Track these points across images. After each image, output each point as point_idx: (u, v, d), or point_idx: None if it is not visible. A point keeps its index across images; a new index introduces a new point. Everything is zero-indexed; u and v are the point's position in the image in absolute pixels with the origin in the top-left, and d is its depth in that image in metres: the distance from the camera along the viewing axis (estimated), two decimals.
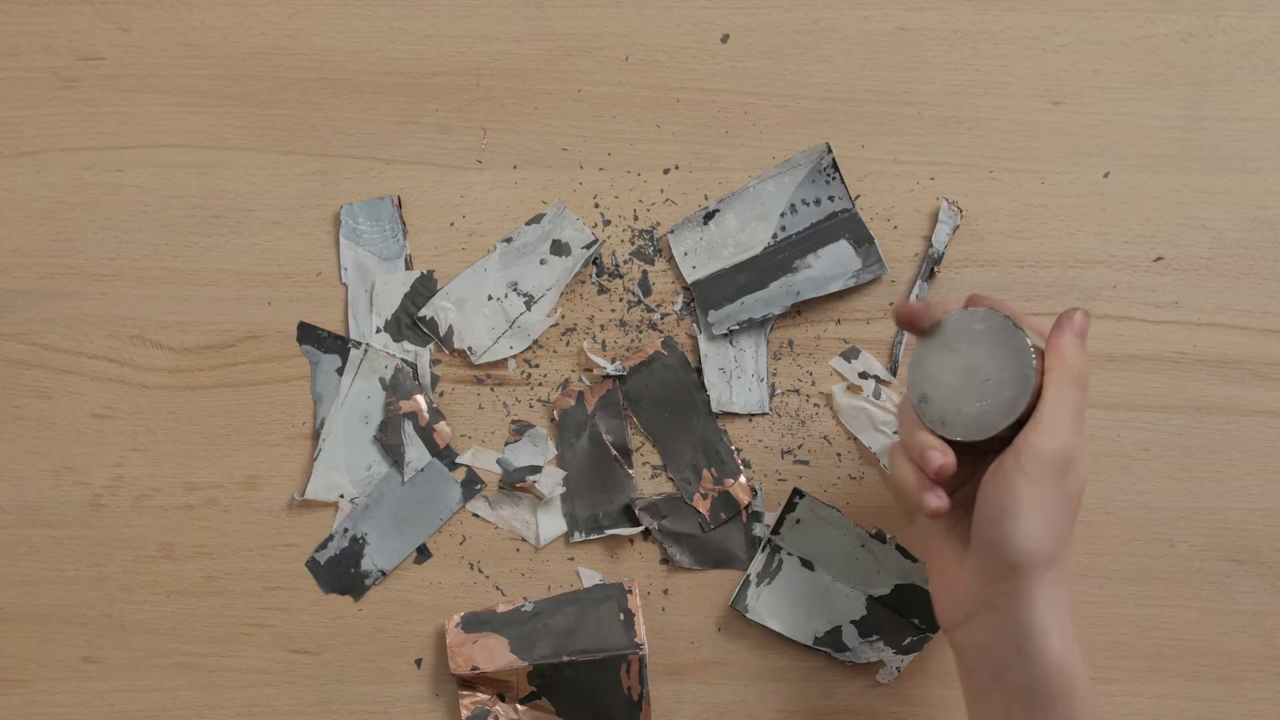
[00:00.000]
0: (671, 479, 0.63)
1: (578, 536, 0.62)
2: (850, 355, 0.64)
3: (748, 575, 0.62)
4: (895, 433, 0.62)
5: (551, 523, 0.63)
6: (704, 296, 0.64)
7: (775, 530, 0.62)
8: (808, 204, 0.65)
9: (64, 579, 0.63)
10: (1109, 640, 0.62)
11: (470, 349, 0.64)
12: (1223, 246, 0.65)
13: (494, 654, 0.61)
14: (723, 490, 0.63)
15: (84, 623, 0.63)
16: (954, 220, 0.64)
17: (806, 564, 0.62)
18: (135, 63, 0.66)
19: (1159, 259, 0.65)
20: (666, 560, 0.63)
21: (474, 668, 0.60)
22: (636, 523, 0.62)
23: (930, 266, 0.64)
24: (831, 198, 0.64)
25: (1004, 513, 0.50)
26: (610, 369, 0.63)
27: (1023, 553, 0.50)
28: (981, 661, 0.51)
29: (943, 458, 0.51)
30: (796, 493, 0.62)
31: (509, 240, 0.65)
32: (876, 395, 0.63)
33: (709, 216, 0.65)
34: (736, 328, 0.64)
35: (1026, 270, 0.64)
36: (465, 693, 0.61)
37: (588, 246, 0.64)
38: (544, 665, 0.60)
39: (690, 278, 0.64)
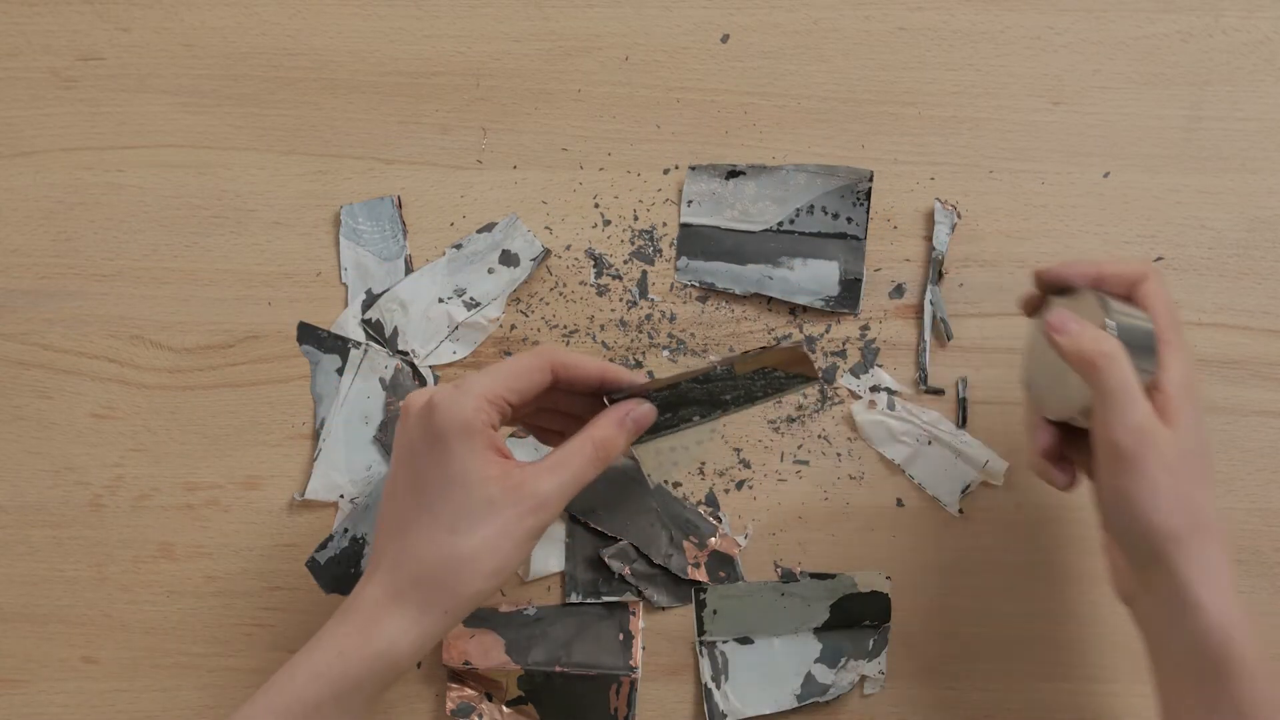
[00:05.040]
0: (657, 566, 0.62)
1: (574, 598, 0.62)
2: (858, 371, 0.64)
3: (705, 685, 0.61)
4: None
5: (544, 558, 0.63)
6: (686, 241, 0.65)
7: (700, 632, 0.62)
8: (826, 212, 0.64)
9: (64, 579, 0.63)
10: (1109, 640, 0.62)
11: (414, 351, 0.64)
12: (1223, 246, 0.65)
13: (488, 652, 0.61)
14: (712, 550, 0.62)
15: (84, 623, 0.63)
16: (950, 219, 0.64)
17: (745, 641, 0.62)
18: (135, 63, 0.66)
19: (1159, 259, 0.65)
20: (642, 599, 0.62)
21: (466, 662, 0.60)
22: (635, 591, 0.62)
23: (937, 270, 0.64)
24: (850, 220, 0.64)
25: (1115, 499, 0.51)
26: None
27: (1146, 535, 0.50)
28: (1148, 637, 0.52)
29: (1044, 438, 0.55)
30: (698, 589, 0.62)
31: (459, 247, 0.65)
32: (891, 407, 0.63)
33: (731, 175, 0.65)
34: (696, 285, 0.64)
35: (1026, 270, 0.64)
36: (454, 685, 0.61)
37: (535, 258, 0.64)
38: (535, 671, 0.60)
39: (684, 218, 0.65)
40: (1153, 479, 0.50)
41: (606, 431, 0.53)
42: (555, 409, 0.56)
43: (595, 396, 0.55)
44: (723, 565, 0.62)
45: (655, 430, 0.55)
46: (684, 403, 0.55)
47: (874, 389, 0.64)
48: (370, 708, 0.51)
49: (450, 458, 0.50)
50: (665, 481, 0.62)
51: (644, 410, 0.54)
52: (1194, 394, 0.52)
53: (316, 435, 0.64)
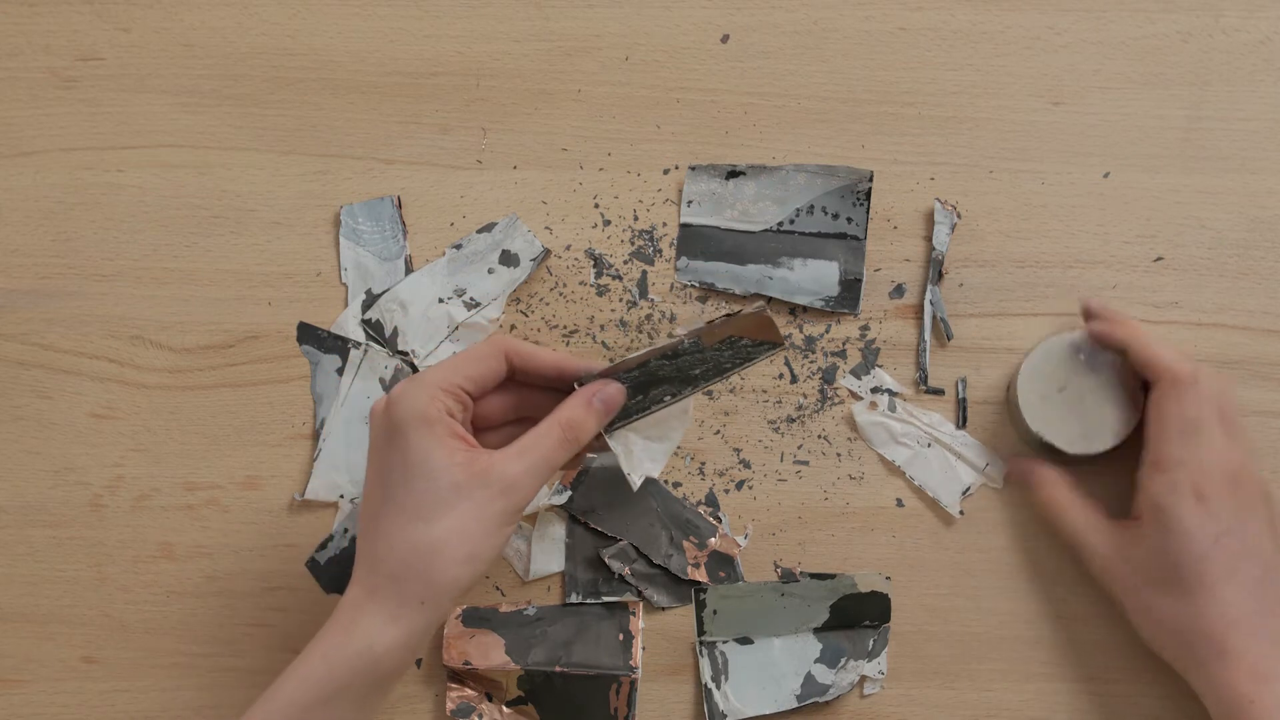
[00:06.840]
0: (657, 566, 0.62)
1: (574, 598, 0.62)
2: (860, 371, 0.64)
3: (705, 684, 0.61)
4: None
5: (544, 558, 0.63)
6: (686, 241, 0.65)
7: (701, 631, 0.62)
8: (826, 212, 0.64)
9: (64, 579, 0.63)
10: (1109, 640, 0.62)
11: (414, 351, 0.64)
12: (1223, 246, 0.65)
13: (488, 652, 0.61)
14: (712, 550, 0.62)
15: (84, 623, 0.63)
16: (950, 220, 0.64)
17: (745, 641, 0.62)
18: (135, 63, 0.66)
19: (1159, 259, 0.65)
20: (642, 599, 0.62)
21: (466, 662, 0.60)
22: (635, 591, 0.62)
23: (937, 270, 0.64)
24: (850, 220, 0.64)
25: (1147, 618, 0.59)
26: (553, 499, 0.62)
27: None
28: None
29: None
30: (698, 589, 0.62)
31: (459, 247, 0.65)
32: (891, 409, 0.63)
33: (731, 175, 0.65)
34: (696, 285, 0.64)
35: (1026, 270, 0.64)
36: (454, 686, 0.61)
37: (535, 259, 0.64)
38: (535, 672, 0.60)
39: (684, 218, 0.65)
40: (1120, 599, 0.59)
41: (574, 413, 0.53)
42: (529, 415, 0.55)
43: (564, 394, 0.54)
44: (723, 565, 0.62)
45: (627, 414, 0.55)
46: (654, 382, 0.54)
47: (874, 390, 0.63)
48: (364, 711, 0.51)
49: (410, 448, 0.50)
50: (647, 479, 0.60)
51: (612, 390, 0.53)
52: (1178, 507, 0.56)
53: (316, 435, 0.64)
